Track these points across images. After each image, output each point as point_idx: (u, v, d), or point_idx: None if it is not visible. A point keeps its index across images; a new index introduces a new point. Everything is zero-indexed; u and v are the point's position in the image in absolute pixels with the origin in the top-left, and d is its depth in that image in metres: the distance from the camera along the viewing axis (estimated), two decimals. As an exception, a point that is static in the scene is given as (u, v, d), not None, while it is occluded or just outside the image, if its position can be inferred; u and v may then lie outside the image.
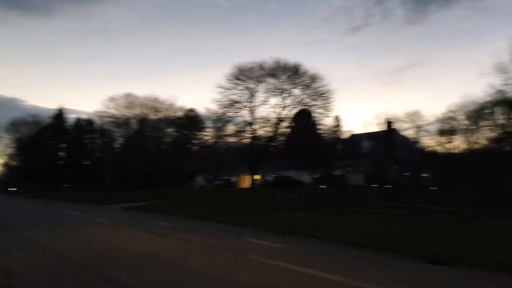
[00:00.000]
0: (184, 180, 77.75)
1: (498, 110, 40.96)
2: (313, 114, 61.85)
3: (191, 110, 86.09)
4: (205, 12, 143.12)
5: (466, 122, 46.76)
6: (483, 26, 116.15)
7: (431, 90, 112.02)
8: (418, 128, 56.83)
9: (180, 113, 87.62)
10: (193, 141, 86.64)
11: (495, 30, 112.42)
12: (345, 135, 71.22)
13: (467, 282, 11.10)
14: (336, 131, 68.39)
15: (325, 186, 54.70)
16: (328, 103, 60.00)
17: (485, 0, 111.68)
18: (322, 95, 59.94)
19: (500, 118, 41.06)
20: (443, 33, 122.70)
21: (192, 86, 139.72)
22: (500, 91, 38.82)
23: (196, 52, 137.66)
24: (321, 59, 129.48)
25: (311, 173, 61.64)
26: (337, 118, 68.12)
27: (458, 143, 49.34)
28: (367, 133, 65.34)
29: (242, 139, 64.14)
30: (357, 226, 22.18)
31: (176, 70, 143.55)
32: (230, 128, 64.85)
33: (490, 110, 41.97)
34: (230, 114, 61.78)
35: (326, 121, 63.31)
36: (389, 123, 60.01)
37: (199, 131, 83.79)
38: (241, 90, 60.45)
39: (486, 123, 43.29)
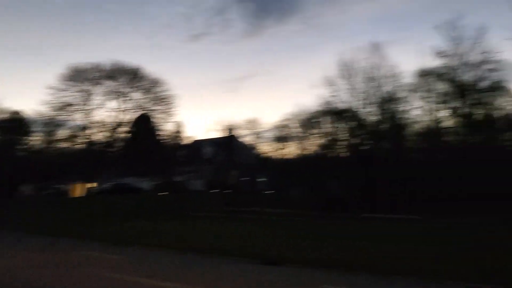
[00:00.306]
0: (9, 188, 70.13)
1: (326, 119, 44.56)
2: (154, 119, 60.75)
3: (16, 113, 78.21)
4: (36, 8, 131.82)
5: (299, 129, 50.17)
6: (314, 41, 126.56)
7: (269, 99, 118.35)
8: (256, 135, 59.51)
9: (4, 116, 78.99)
10: (20, 146, 78.72)
11: (325, 45, 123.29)
12: (187, 141, 71.28)
13: (300, 280, 11.62)
14: (178, 136, 68.10)
15: (166, 193, 53.92)
16: (170, 108, 59.52)
17: (315, 18, 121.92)
18: (164, 100, 59.27)
19: (328, 127, 44.74)
20: (279, 47, 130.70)
21: (21, 86, 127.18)
22: (328, 102, 42.31)
23: (25, 51, 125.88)
24: (163, 64, 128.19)
25: (152, 179, 60.33)
26: (179, 124, 67.88)
27: (291, 149, 52.67)
28: (209, 139, 66.30)
29: (76, 144, 60.12)
30: (198, 232, 22.14)
31: (2, 69, 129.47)
32: (63, 133, 60.32)
33: (319, 119, 45.47)
34: (63, 117, 57.58)
35: (167, 127, 62.63)
36: (229, 129, 61.65)
37: (26, 135, 76.42)
38: (75, 92, 56.79)
39: (316, 131, 46.84)
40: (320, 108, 43.77)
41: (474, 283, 10.78)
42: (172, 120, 61.64)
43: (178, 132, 67.47)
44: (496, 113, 36.38)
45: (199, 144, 68.64)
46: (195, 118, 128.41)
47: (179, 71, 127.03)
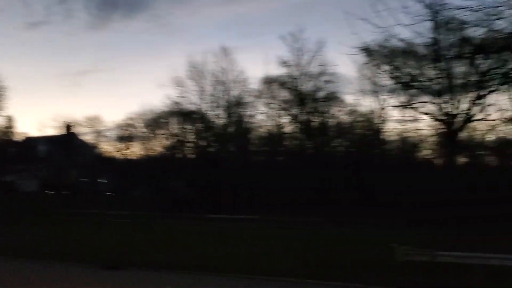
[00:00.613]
0: None
1: (173, 120, 44.32)
2: (-20, 112, 54.07)
3: None
4: None
5: (144, 129, 49.01)
6: (163, 40, 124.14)
7: (113, 97, 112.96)
8: (98, 133, 56.47)
9: None
10: None
11: (174, 45, 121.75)
12: (19, 137, 64.80)
13: (141, 284, 11.28)
14: (9, 132, 61.57)
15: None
16: (0, 101, 53.55)
17: (165, 16, 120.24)
18: (-7, 92, 53.12)
19: (175, 128, 44.55)
20: (126, 42, 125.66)
21: None
22: (176, 103, 42.18)
23: None
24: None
25: (-25, 179, 53.66)
26: (10, 118, 61.37)
27: (136, 150, 51.19)
28: (44, 136, 61.09)
29: None
30: (30, 235, 20.18)
31: None
32: None
33: (166, 120, 45.02)
34: None
35: (-4, 121, 56.23)
36: (68, 126, 57.55)
37: None
38: None
39: (162, 131, 46.30)
40: (167, 109, 43.47)
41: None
42: (2, 114, 55.60)
43: (9, 127, 61.02)
44: (330, 121, 39.72)
45: (33, 141, 62.91)
46: (30, 112, 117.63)
47: (13, 60, 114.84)
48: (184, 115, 42.45)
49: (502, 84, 24.80)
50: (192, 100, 41.78)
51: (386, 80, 33.43)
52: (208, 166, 38.46)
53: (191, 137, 43.76)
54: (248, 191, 35.77)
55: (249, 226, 25.37)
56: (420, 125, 31.22)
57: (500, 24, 23.08)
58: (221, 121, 41.62)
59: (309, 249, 15.67)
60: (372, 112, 37.80)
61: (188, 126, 43.46)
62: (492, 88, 25.78)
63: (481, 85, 26.31)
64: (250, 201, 34.27)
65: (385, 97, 35.93)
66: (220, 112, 41.37)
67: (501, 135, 27.94)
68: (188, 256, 14.21)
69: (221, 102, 41.14)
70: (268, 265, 12.95)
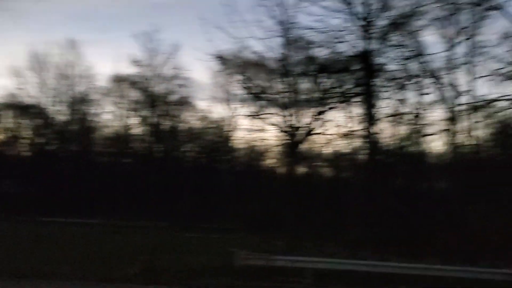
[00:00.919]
0: None
1: (8, 113, 40.33)
2: None
3: None
4: None
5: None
6: (2, 26, 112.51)
7: None
8: None
9: None
10: None
11: (14, 33, 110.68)
12: None
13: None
14: None
15: None
16: None
17: (5, 0, 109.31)
18: None
19: (9, 122, 40.59)
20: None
21: None
22: (13, 95, 38.59)
23: None
24: None
25: None
26: None
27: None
28: None
29: None
30: None
31: None
32: None
33: (0, 113, 40.90)
34: None
35: None
36: None
37: None
38: None
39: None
40: (1, 101, 39.68)
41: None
42: None
43: None
44: (181, 126, 39.54)
45: None
46: None
47: None
48: (21, 108, 38.93)
49: (340, 102, 27.02)
50: (31, 93, 38.58)
51: (238, 90, 34.33)
52: (46, 165, 35.78)
53: (27, 133, 40.20)
54: (90, 193, 33.83)
55: (88, 230, 24.23)
56: (267, 135, 32.62)
57: (341, 47, 25.34)
58: (63, 118, 38.95)
59: (151, 254, 15.29)
60: (223, 119, 38.54)
61: (25, 121, 39.88)
62: (331, 105, 27.86)
63: (322, 102, 28.27)
64: (92, 204, 32.41)
65: (236, 105, 36.83)
66: (62, 108, 38.76)
67: (336, 148, 30.18)
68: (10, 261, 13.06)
69: (64, 97, 38.58)
70: (105, 271, 12.40)
